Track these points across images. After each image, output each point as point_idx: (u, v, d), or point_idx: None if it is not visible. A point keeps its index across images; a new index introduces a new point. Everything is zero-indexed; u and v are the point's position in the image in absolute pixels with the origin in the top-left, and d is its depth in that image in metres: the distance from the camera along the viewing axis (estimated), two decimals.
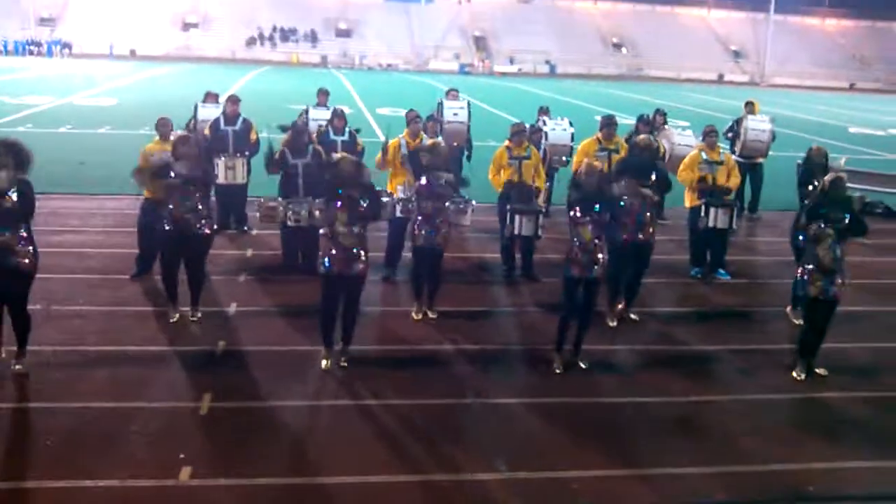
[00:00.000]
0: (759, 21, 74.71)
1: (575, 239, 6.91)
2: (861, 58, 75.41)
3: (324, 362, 6.82)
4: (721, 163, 10.00)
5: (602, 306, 8.03)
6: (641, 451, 5.77)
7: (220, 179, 9.99)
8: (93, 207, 12.13)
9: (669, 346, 7.90)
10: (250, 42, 66.02)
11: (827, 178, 7.07)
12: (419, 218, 7.99)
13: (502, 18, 72.65)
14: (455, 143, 11.56)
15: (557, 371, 6.97)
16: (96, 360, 6.75)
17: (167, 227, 7.49)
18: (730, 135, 13.49)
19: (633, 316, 8.32)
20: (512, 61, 67.47)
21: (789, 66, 71.53)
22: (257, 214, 8.95)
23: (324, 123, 10.76)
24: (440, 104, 12.14)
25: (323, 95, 12.80)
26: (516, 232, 8.89)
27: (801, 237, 7.38)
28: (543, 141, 10.90)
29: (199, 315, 7.77)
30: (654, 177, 8.21)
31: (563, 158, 11.46)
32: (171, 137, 8.30)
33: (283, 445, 5.63)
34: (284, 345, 7.34)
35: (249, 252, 10.19)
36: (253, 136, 11.02)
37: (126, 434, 5.59)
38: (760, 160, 13.31)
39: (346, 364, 6.83)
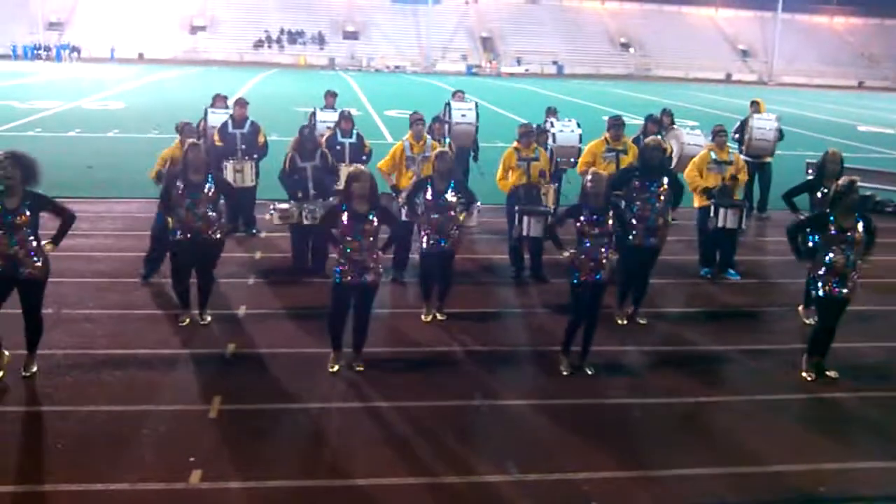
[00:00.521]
0: (766, 20, 74.55)
1: (581, 246, 6.86)
2: (870, 56, 75.17)
3: (333, 365, 6.82)
4: (730, 163, 9.95)
5: (610, 306, 8.03)
6: (651, 452, 5.76)
7: None
8: (101, 211, 12.18)
9: (678, 346, 7.87)
10: (258, 44, 66.27)
11: (840, 182, 6.78)
12: (428, 228, 7.96)
13: (509, 19, 72.71)
14: (463, 145, 11.57)
15: (565, 373, 6.95)
16: (106, 364, 6.76)
17: (178, 235, 7.48)
18: (737, 136, 13.43)
19: (640, 320, 8.26)
20: (519, 62, 67.48)
21: (797, 65, 71.38)
22: (266, 217, 8.97)
23: (332, 125, 10.80)
24: (447, 106, 12.14)
25: (330, 97, 12.85)
26: (524, 233, 8.90)
27: (813, 239, 7.04)
28: (550, 142, 10.89)
29: (209, 318, 7.79)
30: (665, 181, 8.13)
31: (571, 160, 11.45)
32: (183, 142, 8.33)
33: (294, 448, 5.63)
34: (294, 347, 7.34)
35: (258, 255, 10.21)
36: (261, 139, 11.09)
37: (136, 437, 5.61)
38: (768, 159, 13.28)
39: (361, 368, 6.83)
